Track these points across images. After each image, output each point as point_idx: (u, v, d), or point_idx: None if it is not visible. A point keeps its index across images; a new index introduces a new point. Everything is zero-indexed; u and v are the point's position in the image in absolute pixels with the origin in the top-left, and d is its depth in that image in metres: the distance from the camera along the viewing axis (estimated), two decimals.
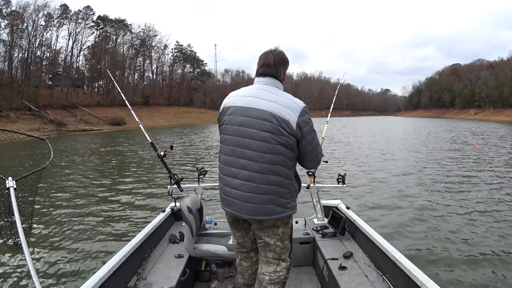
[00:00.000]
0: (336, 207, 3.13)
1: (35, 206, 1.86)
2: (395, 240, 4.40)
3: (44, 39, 44.86)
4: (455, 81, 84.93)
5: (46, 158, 1.84)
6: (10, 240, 1.54)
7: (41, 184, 5.81)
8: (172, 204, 3.27)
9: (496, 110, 65.04)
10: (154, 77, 62.30)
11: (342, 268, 2.28)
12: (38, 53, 44.68)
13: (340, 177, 3.12)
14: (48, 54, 46.71)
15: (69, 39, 48.42)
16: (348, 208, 3.10)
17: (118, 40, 55.55)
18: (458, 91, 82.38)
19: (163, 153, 2.91)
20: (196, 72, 69.35)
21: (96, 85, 54.74)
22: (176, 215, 3.21)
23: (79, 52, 50.74)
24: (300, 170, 1.82)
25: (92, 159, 14.42)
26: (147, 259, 2.37)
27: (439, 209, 5.96)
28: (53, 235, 4.96)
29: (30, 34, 41.99)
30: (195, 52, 68.09)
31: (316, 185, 3.15)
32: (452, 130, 30.06)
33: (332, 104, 3.82)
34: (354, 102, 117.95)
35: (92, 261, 4.08)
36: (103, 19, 52.68)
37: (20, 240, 1.40)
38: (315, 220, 3.19)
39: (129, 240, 2.42)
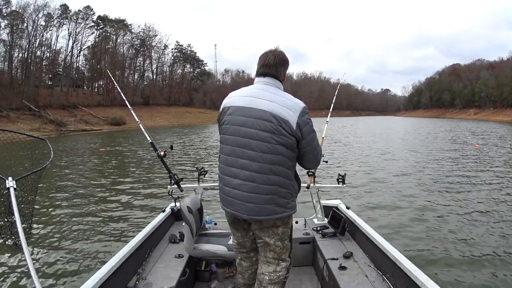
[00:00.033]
0: (336, 207, 3.13)
1: (35, 206, 1.86)
2: (395, 240, 4.40)
3: (44, 39, 45.01)
4: (455, 81, 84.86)
5: (46, 158, 1.84)
6: (10, 240, 1.53)
7: (41, 184, 5.80)
8: (172, 204, 3.27)
9: (496, 110, 65.00)
10: (154, 77, 62.43)
11: (342, 268, 2.28)
12: (38, 53, 44.80)
13: (340, 177, 3.11)
14: (48, 54, 46.81)
15: (69, 39, 48.60)
16: (348, 208, 3.10)
17: (118, 40, 55.70)
18: (458, 91, 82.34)
19: (163, 153, 2.92)
20: (196, 72, 69.40)
21: (96, 85, 54.88)
22: (176, 215, 3.21)
23: (79, 52, 50.94)
24: (300, 170, 1.82)
25: (92, 159, 14.43)
26: (147, 259, 2.37)
27: (439, 209, 5.96)
28: (53, 235, 4.95)
29: (30, 34, 42.05)
30: (195, 52, 68.34)
31: (316, 185, 3.15)
32: (452, 130, 30.04)
33: (332, 104, 3.82)
34: (354, 102, 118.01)
35: (92, 261, 4.08)
36: (103, 19, 52.72)
37: (20, 240, 1.40)
38: (315, 220, 3.19)
39: (129, 240, 2.42)
